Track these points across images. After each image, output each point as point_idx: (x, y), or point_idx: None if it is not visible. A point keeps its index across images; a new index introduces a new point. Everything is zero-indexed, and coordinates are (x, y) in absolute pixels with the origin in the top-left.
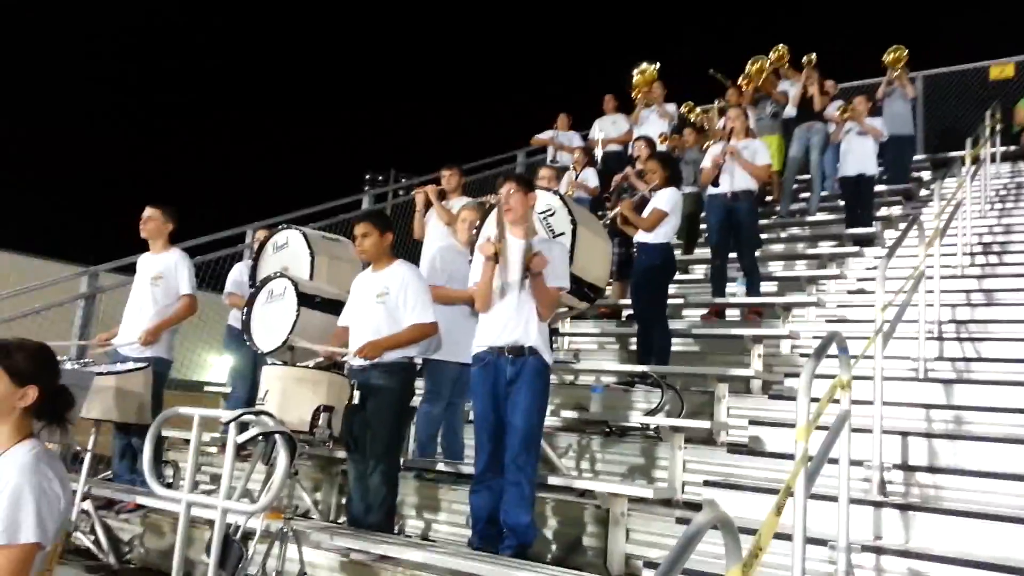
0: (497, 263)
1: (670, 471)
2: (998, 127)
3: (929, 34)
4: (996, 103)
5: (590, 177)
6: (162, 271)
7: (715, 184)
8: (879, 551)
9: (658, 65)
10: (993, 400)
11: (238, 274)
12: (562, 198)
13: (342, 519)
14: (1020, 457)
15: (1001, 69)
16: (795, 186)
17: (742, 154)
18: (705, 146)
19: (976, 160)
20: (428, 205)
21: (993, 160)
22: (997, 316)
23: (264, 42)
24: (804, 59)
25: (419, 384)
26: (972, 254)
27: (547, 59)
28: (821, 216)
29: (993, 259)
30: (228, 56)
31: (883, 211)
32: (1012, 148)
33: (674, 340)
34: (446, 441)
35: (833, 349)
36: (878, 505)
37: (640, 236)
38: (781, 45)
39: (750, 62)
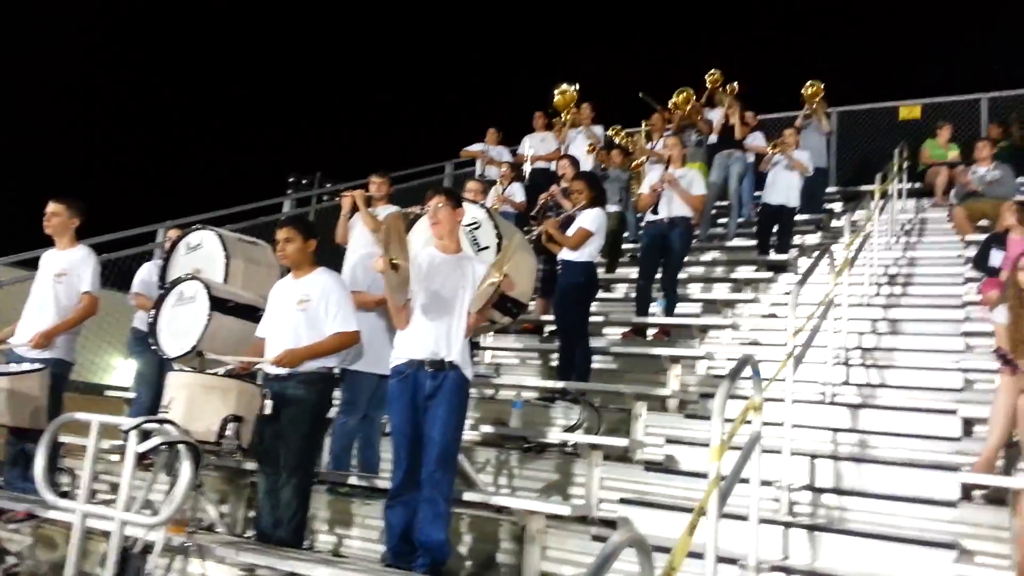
0: (397, 276)
1: (587, 488)
2: (905, 164)
3: (844, 72)
4: (904, 142)
5: (517, 192)
6: (66, 268)
7: (654, 212)
8: (787, 571)
9: (578, 86)
10: (896, 425)
11: (146, 274)
12: (488, 212)
13: (249, 533)
14: (921, 481)
15: (910, 110)
16: (713, 211)
17: (679, 183)
18: (635, 165)
19: (884, 195)
20: (354, 210)
21: (900, 195)
22: (900, 345)
23: (184, 31)
24: (727, 88)
25: (336, 395)
26: (879, 284)
27: (478, 73)
28: (740, 242)
29: (898, 289)
30: (145, 44)
31: (796, 240)
32: (917, 185)
33: (594, 357)
34: (363, 454)
35: (747, 371)
36: (787, 525)
37: (564, 254)
38: (715, 70)
39: (676, 93)
